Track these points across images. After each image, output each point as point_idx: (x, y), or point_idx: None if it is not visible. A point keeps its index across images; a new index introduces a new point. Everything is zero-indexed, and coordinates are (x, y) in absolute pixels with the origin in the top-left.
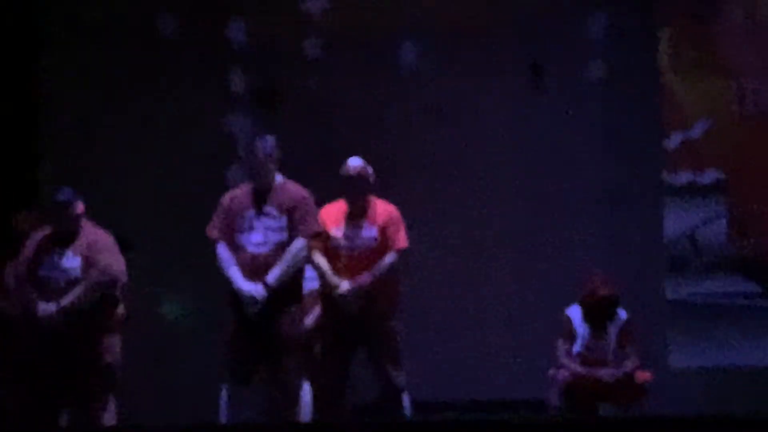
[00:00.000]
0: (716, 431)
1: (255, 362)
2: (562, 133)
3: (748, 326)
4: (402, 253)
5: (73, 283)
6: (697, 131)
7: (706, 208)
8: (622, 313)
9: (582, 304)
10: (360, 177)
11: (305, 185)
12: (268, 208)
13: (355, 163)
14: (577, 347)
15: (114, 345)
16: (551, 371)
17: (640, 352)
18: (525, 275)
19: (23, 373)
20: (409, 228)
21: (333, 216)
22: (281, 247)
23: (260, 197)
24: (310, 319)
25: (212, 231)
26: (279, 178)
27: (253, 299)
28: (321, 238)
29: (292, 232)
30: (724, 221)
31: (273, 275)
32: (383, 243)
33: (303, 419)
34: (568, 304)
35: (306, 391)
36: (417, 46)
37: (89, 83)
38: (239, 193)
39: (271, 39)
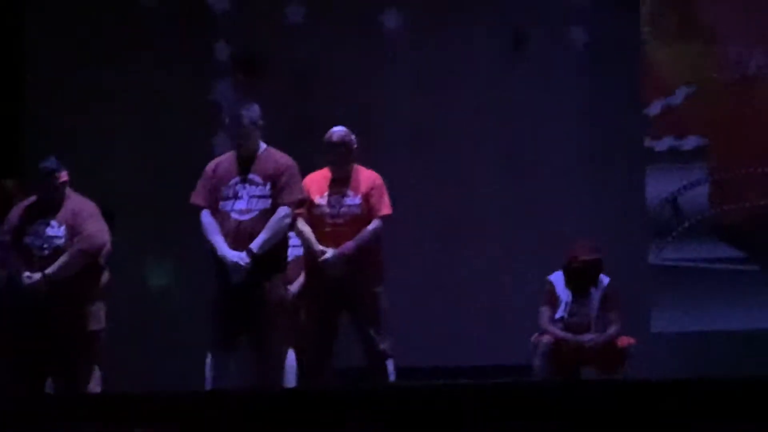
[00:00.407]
0: (698, 395)
1: (240, 330)
2: (545, 100)
3: (729, 291)
4: (386, 220)
5: (57, 251)
6: (678, 97)
7: (688, 173)
8: (605, 279)
9: (565, 269)
10: (343, 144)
11: (289, 153)
12: (252, 176)
13: (338, 130)
14: (560, 312)
15: (99, 313)
16: (534, 337)
17: (623, 317)
18: (509, 242)
19: (8, 341)
20: (393, 195)
21: (317, 184)
22: (265, 214)
23: (244, 165)
24: (294, 287)
25: (196, 198)
26: (263, 145)
27: (237, 267)
28: (305, 205)
29: (276, 199)
30: (705, 187)
31: (257, 243)
32: (367, 210)
33: (288, 385)
34: (551, 270)
35: (291, 357)
36: (400, 13)
37: (72, 53)
38: (223, 161)
39: (254, 6)
